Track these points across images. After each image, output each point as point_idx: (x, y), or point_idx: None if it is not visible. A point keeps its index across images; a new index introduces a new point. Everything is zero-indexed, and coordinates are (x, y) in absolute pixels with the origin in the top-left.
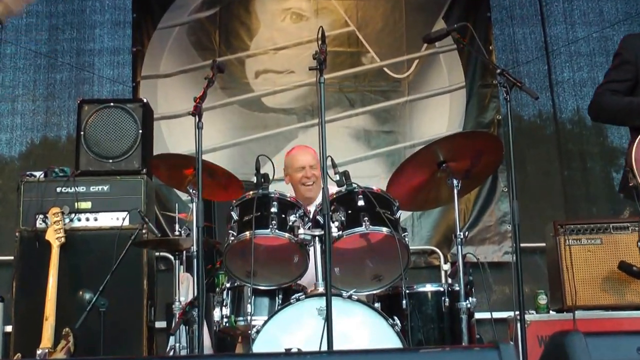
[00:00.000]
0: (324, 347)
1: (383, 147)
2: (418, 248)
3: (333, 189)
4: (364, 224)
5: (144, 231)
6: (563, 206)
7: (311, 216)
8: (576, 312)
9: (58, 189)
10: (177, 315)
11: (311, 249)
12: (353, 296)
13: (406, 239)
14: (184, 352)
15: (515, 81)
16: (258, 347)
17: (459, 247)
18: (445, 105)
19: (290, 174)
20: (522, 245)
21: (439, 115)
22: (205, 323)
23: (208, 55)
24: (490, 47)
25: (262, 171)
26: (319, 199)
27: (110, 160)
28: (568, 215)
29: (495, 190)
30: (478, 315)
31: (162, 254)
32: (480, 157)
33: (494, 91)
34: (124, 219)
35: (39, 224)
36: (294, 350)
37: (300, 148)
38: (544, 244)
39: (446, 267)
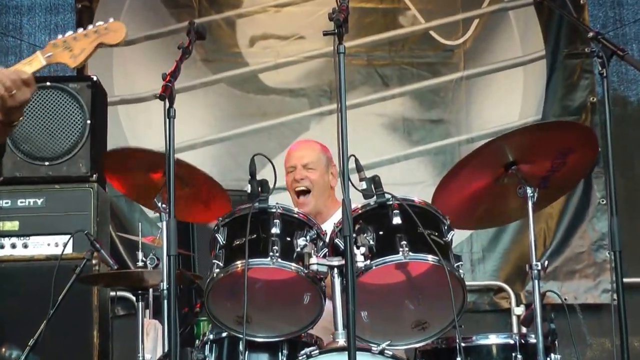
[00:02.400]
0: None
1: (429, 142)
2: (479, 284)
3: (357, 201)
4: (401, 250)
5: (94, 262)
6: None
7: (327, 239)
8: None
9: None
10: None
11: (327, 285)
12: (386, 351)
13: (461, 271)
14: None
15: (616, 49)
16: None
17: (536, 282)
18: (517, 84)
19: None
20: (627, 280)
21: (508, 98)
22: None
23: (184, 15)
24: (582, 1)
25: (259, 177)
26: (337, 215)
27: (46, 163)
28: None
29: (589, 203)
30: None
31: (120, 293)
32: (565, 156)
33: (587, 63)
34: (65, 245)
35: None
36: None
37: (299, 142)
38: None
39: (519, 310)
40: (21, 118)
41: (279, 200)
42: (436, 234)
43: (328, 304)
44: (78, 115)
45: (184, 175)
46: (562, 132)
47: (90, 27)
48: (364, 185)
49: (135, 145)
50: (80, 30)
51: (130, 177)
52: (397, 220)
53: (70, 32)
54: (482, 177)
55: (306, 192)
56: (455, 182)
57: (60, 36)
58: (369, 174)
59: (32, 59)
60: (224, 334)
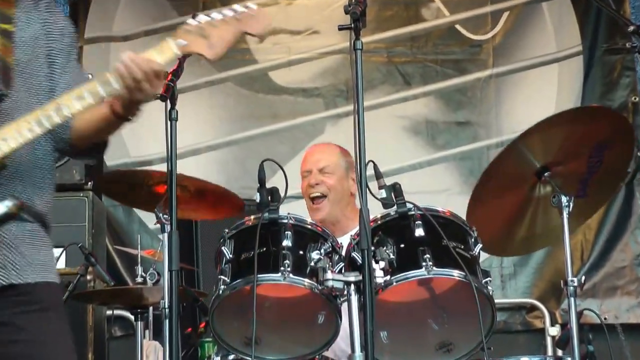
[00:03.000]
0: None
1: (455, 146)
2: (510, 302)
3: (377, 211)
4: (424, 264)
5: (89, 277)
6: None
7: (344, 253)
8: None
9: None
10: None
11: (344, 302)
12: None
13: (490, 288)
14: None
15: None
16: None
17: (573, 300)
18: (552, 82)
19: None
20: None
21: (541, 97)
22: None
23: (186, 8)
24: None
25: (269, 184)
26: (355, 228)
27: None
28: None
29: (631, 213)
30: None
31: (117, 312)
32: (601, 153)
33: (628, 59)
34: (57, 260)
35: None
36: None
37: (317, 145)
38: None
39: (554, 331)
40: (138, 115)
41: (291, 210)
42: (462, 247)
43: (344, 323)
44: None
45: (188, 185)
46: (594, 120)
47: (226, 11)
48: (383, 193)
49: (134, 155)
50: (215, 14)
51: (130, 185)
52: (419, 231)
53: (202, 16)
54: (515, 189)
55: (321, 197)
56: (487, 196)
57: (191, 20)
58: (388, 181)
59: (162, 47)
60: (231, 357)
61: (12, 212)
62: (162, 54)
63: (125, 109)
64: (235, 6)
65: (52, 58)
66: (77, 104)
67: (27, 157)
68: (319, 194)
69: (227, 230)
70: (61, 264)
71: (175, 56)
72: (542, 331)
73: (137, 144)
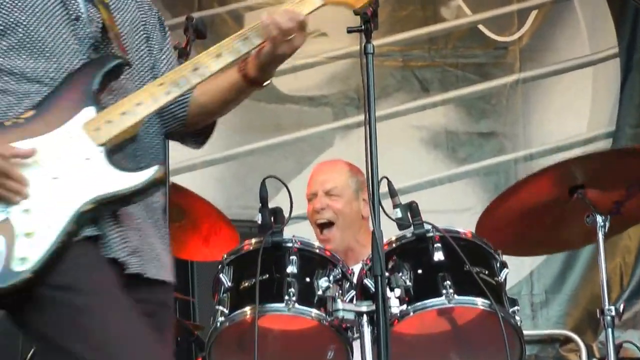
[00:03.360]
0: None
1: (478, 159)
2: (542, 333)
3: (391, 233)
4: (444, 292)
5: None
6: None
7: (355, 280)
8: None
9: None
10: None
11: (356, 335)
12: None
13: (518, 318)
14: None
15: None
16: None
17: (610, 331)
18: (585, 88)
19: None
20: None
21: (574, 105)
22: None
23: (181, 8)
24: None
25: (272, 204)
26: (369, 254)
27: None
28: None
29: None
30: None
31: None
32: None
33: None
34: None
35: None
36: None
37: (323, 164)
38: None
39: None
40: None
41: (297, 232)
42: (487, 272)
43: (357, 358)
44: None
45: (180, 203)
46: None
47: None
48: (398, 213)
49: None
50: None
51: None
52: (439, 255)
53: None
54: (541, 199)
55: (329, 224)
56: (507, 205)
57: None
58: (404, 199)
59: None
60: None
61: (160, 178)
62: (303, 4)
63: (262, 69)
64: None
65: (149, 33)
66: (215, 63)
67: (143, 135)
68: (325, 221)
69: (225, 256)
70: None
71: (318, 7)
72: None
73: None
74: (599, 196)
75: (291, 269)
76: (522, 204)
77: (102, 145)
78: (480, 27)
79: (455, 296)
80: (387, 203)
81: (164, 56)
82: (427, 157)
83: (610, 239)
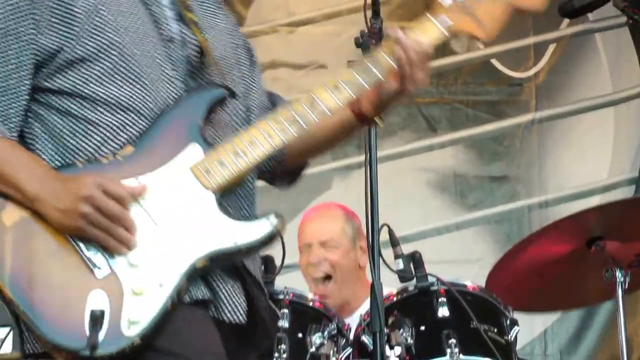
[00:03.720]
0: None
1: (489, 206)
2: None
3: (392, 285)
4: (449, 351)
5: None
6: None
7: (352, 336)
8: None
9: None
10: None
11: None
12: None
13: None
14: None
15: None
16: None
17: None
18: (607, 129)
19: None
20: None
21: (594, 147)
22: None
23: None
24: None
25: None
26: (365, 306)
27: None
28: None
29: None
30: None
31: None
32: None
33: None
34: (2, 342)
35: None
36: None
37: (316, 210)
38: None
39: None
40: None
41: (289, 282)
42: (495, 330)
43: None
44: None
45: None
46: None
47: None
48: (400, 264)
49: None
50: None
51: None
52: (443, 311)
53: None
54: (556, 252)
55: (326, 278)
56: (520, 258)
57: None
58: (407, 248)
59: (424, 25)
60: None
61: (278, 231)
62: (426, 34)
63: (378, 107)
64: None
65: (239, 56)
66: (332, 97)
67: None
68: (322, 275)
69: None
70: (7, 348)
71: (442, 38)
72: None
73: None
74: (619, 248)
75: (282, 323)
76: (536, 257)
77: (214, 190)
78: (494, 61)
79: (461, 356)
80: (387, 252)
81: (255, 84)
82: (434, 202)
83: (631, 295)
